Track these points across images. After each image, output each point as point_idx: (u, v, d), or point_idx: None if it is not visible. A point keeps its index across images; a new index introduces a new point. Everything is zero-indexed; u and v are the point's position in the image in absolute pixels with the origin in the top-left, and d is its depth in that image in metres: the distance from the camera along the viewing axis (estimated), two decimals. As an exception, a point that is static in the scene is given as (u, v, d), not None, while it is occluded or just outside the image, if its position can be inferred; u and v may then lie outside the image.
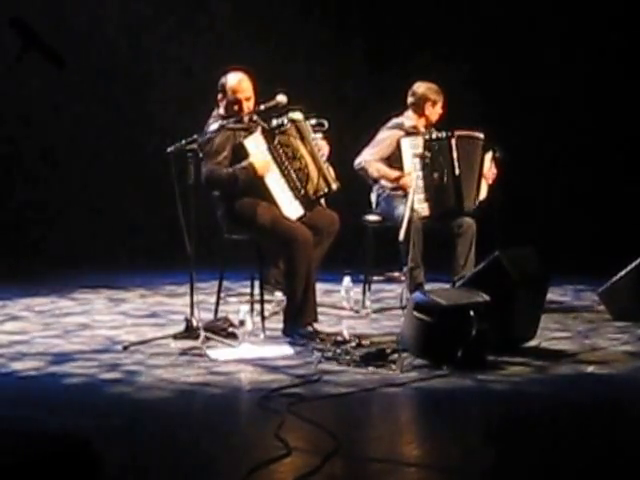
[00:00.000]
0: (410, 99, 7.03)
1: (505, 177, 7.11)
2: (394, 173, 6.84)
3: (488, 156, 7.02)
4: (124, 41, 9.52)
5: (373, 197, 7.10)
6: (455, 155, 6.86)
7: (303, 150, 6.02)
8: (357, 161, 6.93)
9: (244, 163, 5.87)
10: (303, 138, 6.03)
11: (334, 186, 6.08)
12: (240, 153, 5.91)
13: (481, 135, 6.98)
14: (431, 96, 6.97)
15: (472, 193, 6.93)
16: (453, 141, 6.86)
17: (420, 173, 6.75)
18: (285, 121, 5.98)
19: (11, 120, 9.21)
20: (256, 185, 5.91)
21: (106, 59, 9.40)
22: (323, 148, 6.14)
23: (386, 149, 6.91)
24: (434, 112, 6.99)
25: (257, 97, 6.04)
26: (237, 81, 6.01)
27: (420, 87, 7.01)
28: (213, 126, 5.92)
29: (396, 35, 9.48)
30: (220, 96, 6.05)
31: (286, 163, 5.97)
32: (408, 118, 7.02)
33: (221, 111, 6.05)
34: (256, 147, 5.90)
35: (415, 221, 6.35)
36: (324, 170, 6.07)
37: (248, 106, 5.99)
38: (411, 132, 6.90)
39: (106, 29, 9.48)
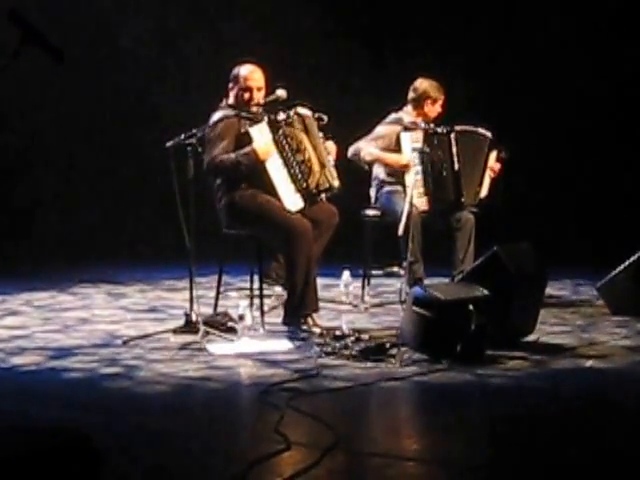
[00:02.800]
0: (411, 94, 7.01)
1: (505, 172, 7.10)
2: (387, 155, 6.83)
3: (493, 155, 7.00)
4: (125, 37, 9.52)
5: (372, 192, 7.09)
6: (455, 150, 6.85)
7: (307, 143, 6.04)
8: (351, 148, 6.90)
9: (247, 149, 5.90)
10: (308, 132, 6.06)
11: (336, 184, 6.09)
12: (244, 141, 5.95)
13: (487, 133, 6.95)
14: (432, 94, 6.95)
15: (472, 189, 6.91)
16: (453, 136, 6.85)
17: (419, 167, 6.74)
18: (291, 114, 6.03)
19: (10, 116, 9.20)
20: (258, 175, 5.94)
21: (107, 55, 9.42)
22: (332, 151, 6.20)
23: (382, 143, 6.89)
24: (433, 110, 6.98)
25: (267, 91, 6.08)
26: (250, 71, 6.09)
27: (422, 83, 7.00)
28: (218, 114, 5.96)
29: (398, 30, 9.48)
30: (231, 85, 6.12)
31: (289, 155, 6.00)
32: (407, 114, 7.01)
33: (230, 101, 6.11)
34: (261, 136, 5.94)
35: (414, 216, 6.34)
36: (327, 166, 6.09)
37: (258, 97, 6.04)
38: (410, 127, 6.89)
39: (108, 25, 9.50)
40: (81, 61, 8.45)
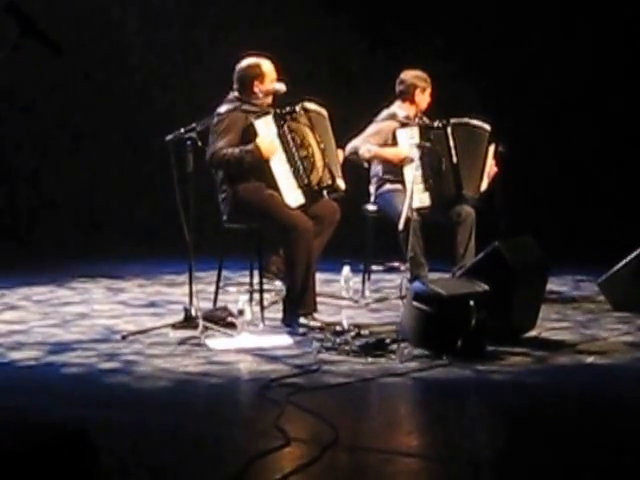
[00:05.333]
0: (399, 88, 6.99)
1: (506, 167, 7.07)
2: (386, 150, 6.80)
3: (491, 149, 6.97)
4: (124, 31, 9.51)
5: (372, 189, 7.06)
6: (452, 143, 6.81)
7: (311, 139, 6.03)
8: (347, 148, 6.85)
9: (250, 146, 5.86)
10: (314, 128, 6.04)
11: (341, 185, 6.07)
12: (249, 134, 5.92)
13: (486, 126, 6.92)
14: (420, 83, 6.94)
15: (474, 182, 6.86)
16: (449, 129, 6.82)
17: (418, 163, 6.71)
18: (297, 108, 6.01)
19: (9, 112, 9.17)
20: (261, 169, 5.92)
21: (105, 49, 9.41)
22: (340, 153, 6.23)
23: (378, 139, 6.86)
24: (424, 99, 6.96)
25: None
26: (264, 62, 6.07)
27: (407, 75, 6.99)
28: (225, 106, 5.95)
29: (399, 24, 9.46)
30: (242, 78, 6.05)
31: (293, 149, 5.98)
32: (400, 108, 6.98)
33: (239, 94, 6.05)
34: (266, 129, 5.92)
35: (414, 221, 6.29)
36: (332, 164, 6.07)
37: (274, 87, 6.06)
38: (405, 122, 6.87)
39: (108, 17, 9.49)
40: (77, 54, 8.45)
